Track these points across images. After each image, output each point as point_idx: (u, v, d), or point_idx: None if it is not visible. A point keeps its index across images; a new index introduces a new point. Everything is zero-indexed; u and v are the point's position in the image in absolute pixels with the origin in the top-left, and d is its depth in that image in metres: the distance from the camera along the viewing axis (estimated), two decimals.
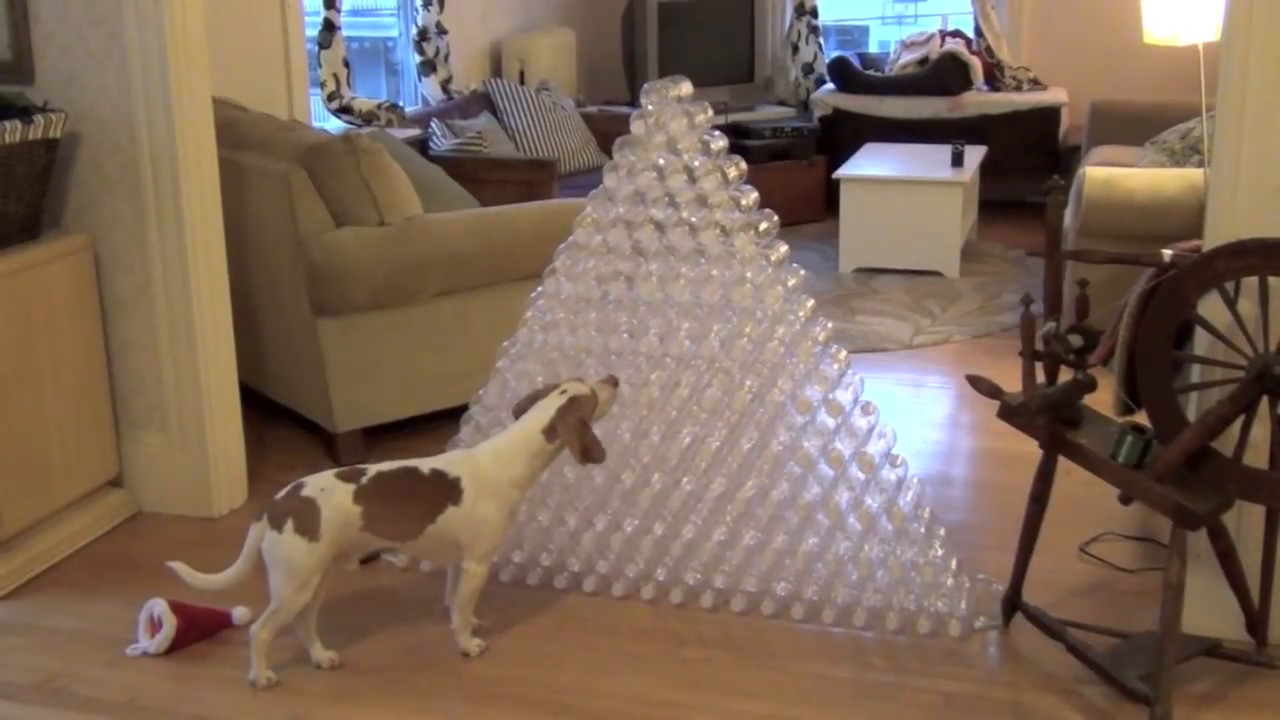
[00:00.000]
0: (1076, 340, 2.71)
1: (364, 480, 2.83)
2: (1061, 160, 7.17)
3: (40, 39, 3.43)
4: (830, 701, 2.75)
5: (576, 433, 2.86)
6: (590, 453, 2.87)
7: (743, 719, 2.69)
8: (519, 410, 2.99)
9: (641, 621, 3.10)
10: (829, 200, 7.06)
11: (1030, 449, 2.91)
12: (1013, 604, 3.00)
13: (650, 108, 3.23)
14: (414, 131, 5.97)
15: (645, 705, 2.75)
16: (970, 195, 6.62)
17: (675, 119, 3.21)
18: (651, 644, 3.00)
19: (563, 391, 2.93)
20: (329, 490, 2.80)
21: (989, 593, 3.09)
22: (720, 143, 3.24)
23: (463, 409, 4.14)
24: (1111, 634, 2.87)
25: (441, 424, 4.14)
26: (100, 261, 3.54)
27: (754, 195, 3.24)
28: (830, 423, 3.14)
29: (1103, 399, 2.98)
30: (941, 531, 3.11)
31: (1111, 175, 4.77)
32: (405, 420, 4.11)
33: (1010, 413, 2.83)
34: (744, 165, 3.27)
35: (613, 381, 3.03)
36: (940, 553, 3.06)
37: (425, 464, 2.91)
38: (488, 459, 2.90)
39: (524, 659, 2.94)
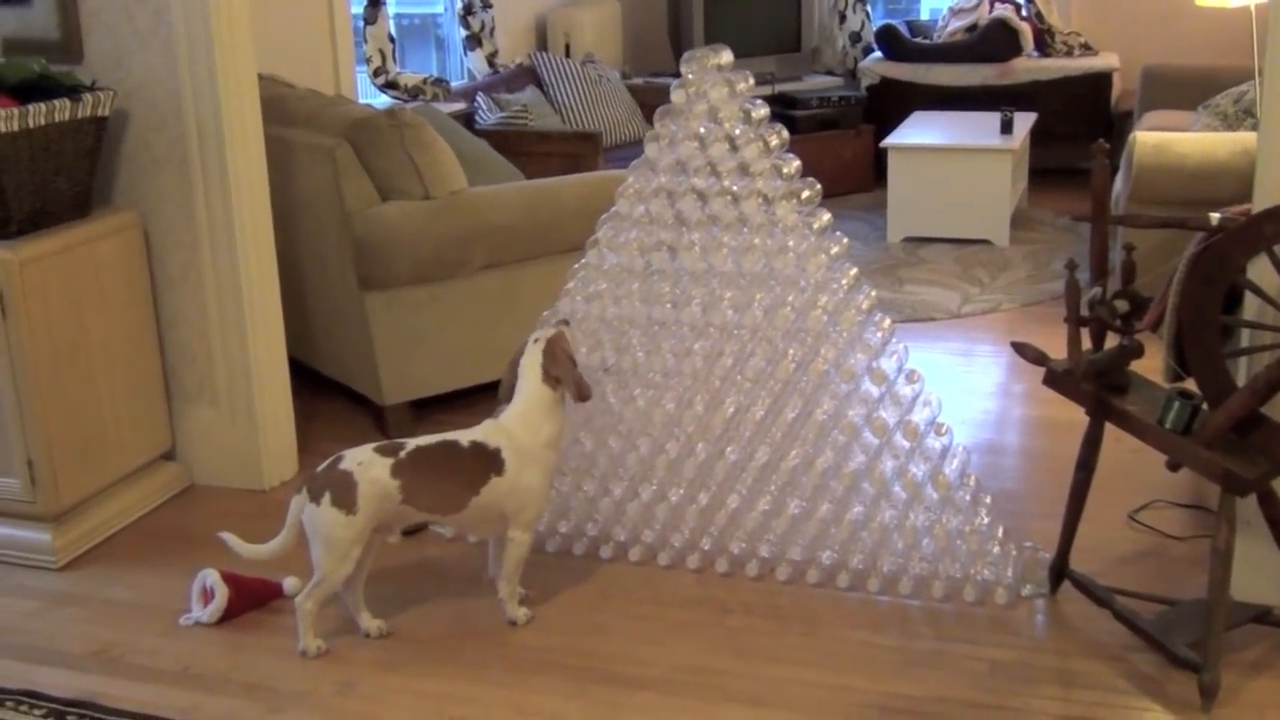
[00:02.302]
0: (1123, 305, 2.68)
1: (402, 455, 2.84)
2: (1113, 126, 7.08)
3: (88, 18, 3.47)
4: (875, 669, 2.75)
5: (568, 368, 2.92)
6: (582, 387, 2.91)
7: (787, 686, 2.70)
8: (507, 386, 3.02)
9: (687, 590, 3.11)
10: (877, 170, 7.02)
11: (1079, 417, 2.89)
12: (1060, 572, 2.98)
13: (690, 76, 3.22)
14: (460, 106, 5.98)
15: (690, 673, 2.76)
16: (1020, 163, 6.55)
17: (716, 88, 3.20)
18: (697, 612, 3.01)
19: (535, 340, 2.98)
20: (366, 464, 2.82)
21: (1036, 560, 3.07)
22: (761, 111, 3.22)
23: None
24: (1160, 601, 2.85)
25: (488, 397, 4.15)
26: (150, 238, 3.58)
27: (796, 163, 3.23)
28: (875, 391, 3.13)
29: (1151, 366, 2.95)
30: (988, 499, 3.10)
31: (1163, 140, 4.71)
32: (452, 393, 4.14)
33: (1056, 379, 2.81)
34: (786, 134, 3.25)
35: (564, 323, 3.09)
36: (986, 521, 3.05)
37: (463, 436, 2.93)
38: (518, 426, 2.92)
39: (570, 628, 2.96)
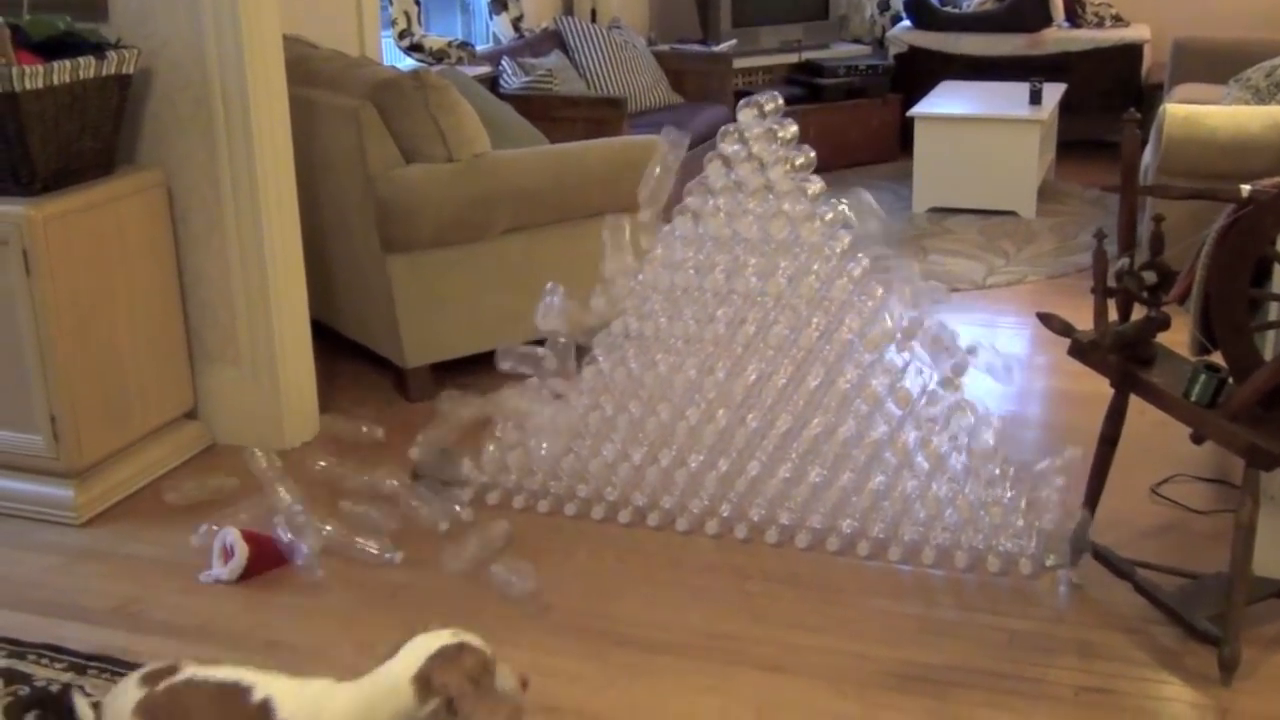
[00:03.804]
0: (1150, 277, 2.66)
1: (160, 688, 2.12)
2: (1144, 98, 7.01)
3: None
4: (893, 637, 2.74)
5: (463, 692, 2.02)
6: None
7: (804, 652, 2.70)
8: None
9: (706, 556, 3.11)
10: (903, 139, 6.98)
11: (1103, 389, 2.87)
12: (1082, 544, 2.97)
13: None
14: (485, 69, 5.96)
15: (707, 637, 2.76)
16: (1048, 134, 6.50)
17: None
18: (715, 578, 3.01)
19: (454, 634, 2.14)
20: (118, 694, 2.17)
21: (1059, 533, 3.05)
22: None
23: (533, 345, 4.17)
24: (1181, 575, 2.84)
25: None
26: (174, 197, 3.58)
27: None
28: (899, 361, 3.12)
29: (1178, 339, 2.93)
30: (1011, 471, 3.08)
31: (1193, 112, 4.66)
32: (474, 357, 4.13)
33: (1081, 350, 2.79)
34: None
35: (524, 681, 2.18)
36: (1011, 493, 3.03)
37: (263, 685, 2.10)
38: (345, 703, 2.08)
39: (588, 591, 2.96)
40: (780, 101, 3.24)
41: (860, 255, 3.18)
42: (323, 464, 3.52)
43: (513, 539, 3.15)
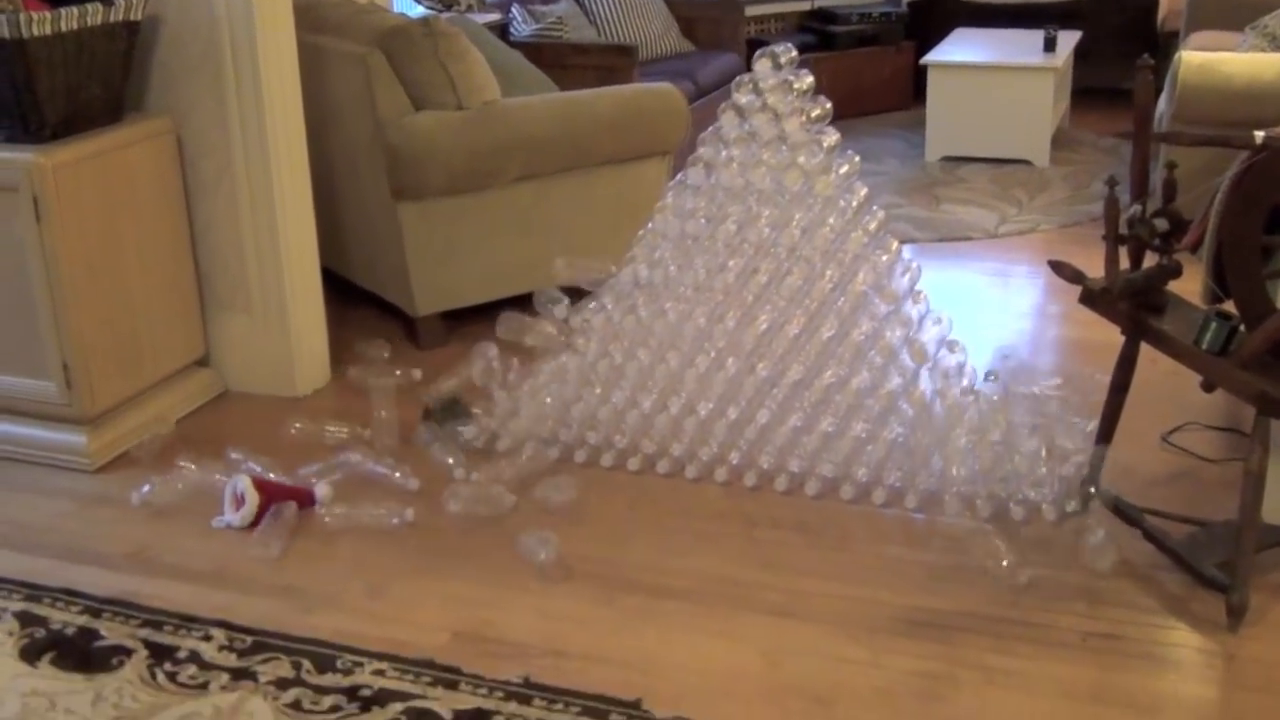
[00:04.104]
0: (1162, 224, 2.65)
1: None
2: (1159, 45, 6.94)
3: None
4: (902, 584, 2.75)
5: None
6: None
7: (812, 598, 2.71)
8: None
9: (715, 503, 3.12)
10: (917, 87, 6.92)
11: (1116, 338, 2.87)
12: (1091, 491, 2.97)
13: None
14: (494, 17, 5.93)
15: (715, 582, 2.78)
16: (1062, 82, 6.45)
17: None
18: (724, 525, 3.02)
19: None
20: None
21: (1074, 480, 3.05)
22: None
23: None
24: (1190, 522, 2.84)
25: (520, 309, 4.16)
26: (183, 144, 3.57)
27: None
28: (915, 313, 3.11)
29: (1189, 287, 2.92)
30: (1032, 419, 3.07)
31: (1208, 60, 4.61)
32: (484, 305, 4.14)
33: (1092, 297, 2.78)
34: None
35: None
36: (1033, 443, 3.01)
37: None
38: None
39: (596, 537, 2.97)
40: (795, 53, 3.21)
41: (876, 208, 3.17)
42: (298, 426, 3.51)
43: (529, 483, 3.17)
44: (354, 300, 4.36)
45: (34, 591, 2.81)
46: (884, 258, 3.12)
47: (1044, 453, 3.02)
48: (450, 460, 3.25)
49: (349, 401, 3.68)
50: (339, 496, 3.14)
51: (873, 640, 2.56)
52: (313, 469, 3.24)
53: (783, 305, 3.17)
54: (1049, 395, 3.23)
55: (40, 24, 3.09)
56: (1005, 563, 2.73)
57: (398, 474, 3.21)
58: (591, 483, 3.19)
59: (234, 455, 3.28)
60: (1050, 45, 6.25)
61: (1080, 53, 6.66)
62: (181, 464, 3.25)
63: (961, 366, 3.11)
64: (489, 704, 2.39)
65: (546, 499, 3.08)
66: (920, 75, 6.54)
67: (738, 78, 3.28)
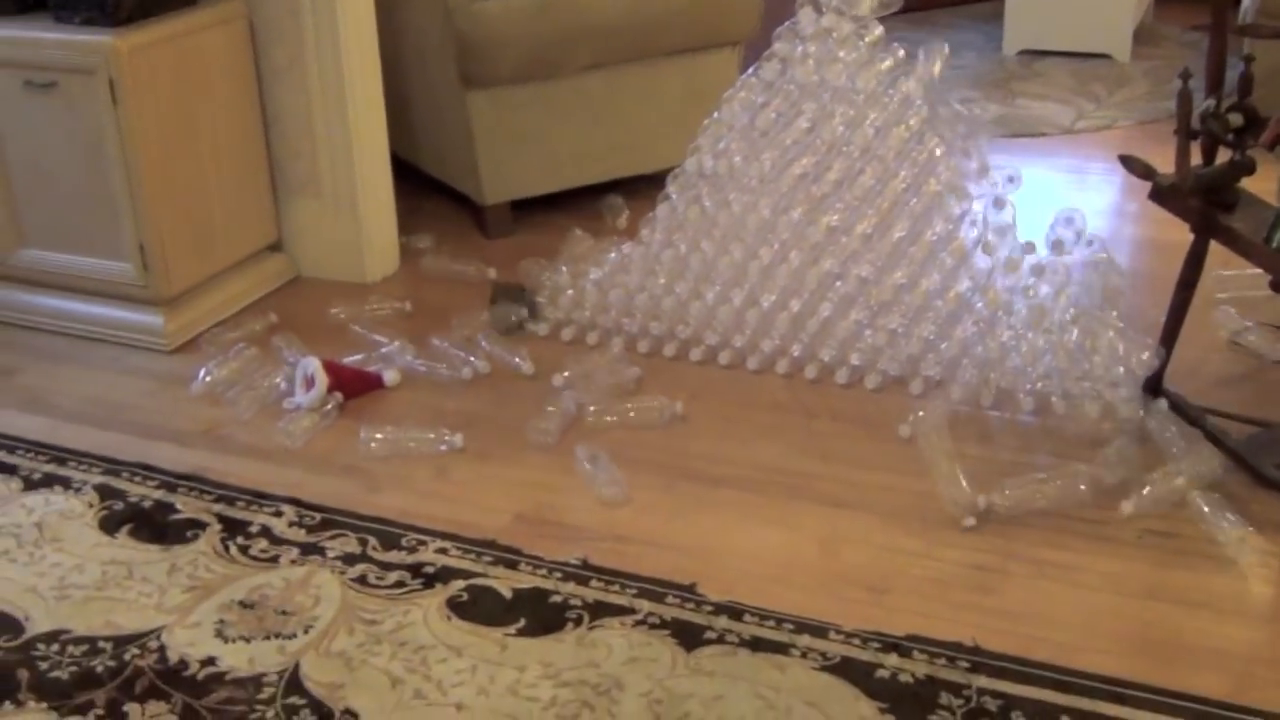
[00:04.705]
0: (1236, 119, 2.60)
1: None
2: None
3: None
4: (964, 479, 2.76)
5: None
6: None
7: (869, 490, 2.74)
8: None
9: (775, 395, 3.14)
10: None
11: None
12: (1155, 390, 2.96)
13: None
14: None
15: (772, 472, 2.82)
16: None
17: None
18: (784, 416, 3.05)
19: None
20: None
21: (1138, 378, 3.02)
22: None
23: (610, 185, 4.19)
24: (1252, 423, 2.83)
25: (587, 199, 4.19)
26: (255, 30, 3.60)
27: None
28: (996, 217, 3.08)
29: (1266, 187, 2.87)
30: (1115, 317, 3.05)
31: None
32: (552, 195, 4.16)
33: (1162, 194, 2.75)
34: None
35: None
36: (1119, 342, 2.99)
37: None
38: None
39: (659, 426, 3.01)
40: None
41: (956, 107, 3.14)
42: (336, 310, 3.59)
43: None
44: (424, 188, 4.39)
45: (112, 466, 2.91)
46: (960, 160, 3.09)
47: (1120, 350, 2.99)
48: (516, 358, 3.28)
49: (417, 289, 3.74)
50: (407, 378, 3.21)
51: (927, 532, 2.59)
52: (392, 347, 3.31)
53: (855, 204, 3.15)
54: (1116, 292, 3.21)
55: None
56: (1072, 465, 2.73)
57: (472, 359, 3.26)
58: (654, 372, 3.23)
59: (276, 342, 3.36)
60: None
61: None
62: (251, 347, 3.33)
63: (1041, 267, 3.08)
64: (547, 584, 2.46)
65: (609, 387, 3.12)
66: None
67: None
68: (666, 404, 3.04)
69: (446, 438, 2.94)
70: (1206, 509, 2.56)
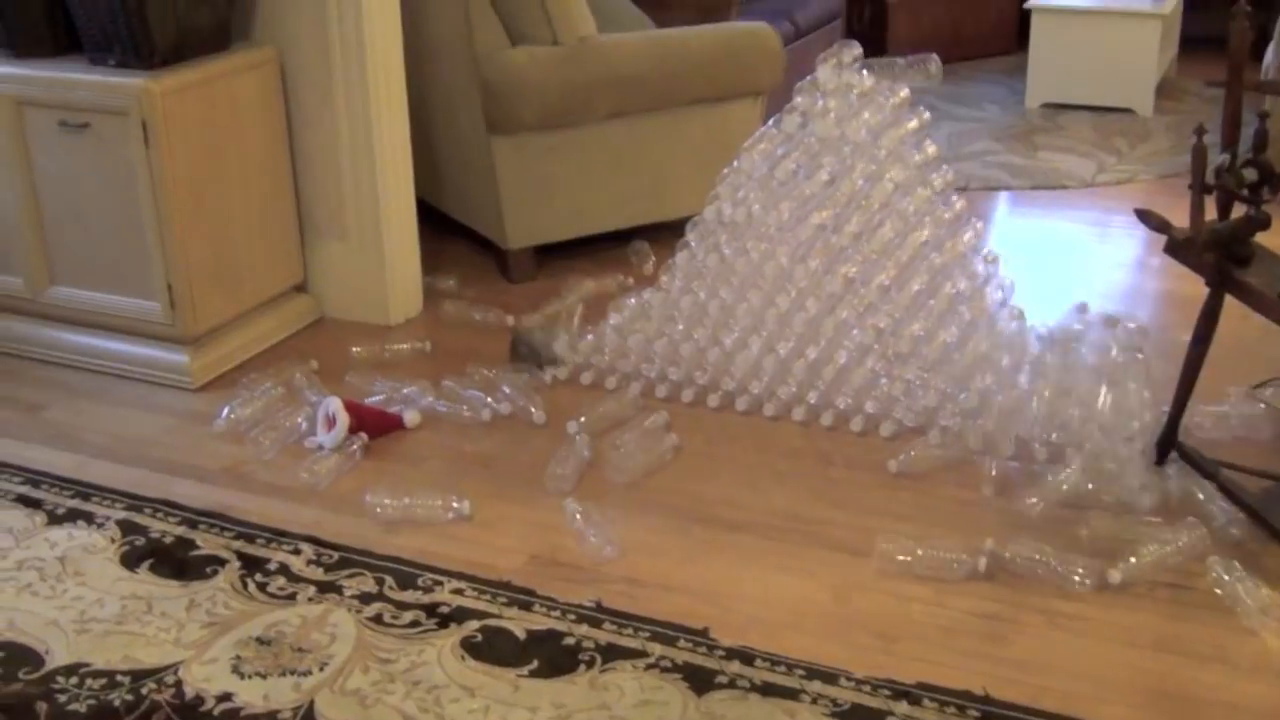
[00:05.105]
0: (1251, 175, 2.62)
1: None
2: None
3: None
4: (973, 527, 2.77)
5: None
6: None
7: (881, 535, 2.74)
8: None
9: (791, 441, 3.16)
10: (1021, 32, 6.82)
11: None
12: (1168, 444, 2.97)
13: None
14: None
15: (788, 519, 2.83)
16: (1170, 29, 6.30)
17: None
18: (799, 463, 3.07)
19: None
20: None
21: (1154, 432, 3.03)
22: None
23: (632, 231, 4.24)
24: (1267, 477, 2.83)
25: (610, 245, 4.24)
26: (286, 74, 3.66)
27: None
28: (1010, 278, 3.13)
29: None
30: (1145, 372, 3.06)
31: None
32: (575, 241, 4.20)
33: (1176, 247, 2.77)
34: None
35: None
36: (1145, 394, 2.99)
37: None
38: None
39: (674, 471, 3.04)
40: (859, 51, 3.26)
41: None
42: (357, 350, 3.63)
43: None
44: (448, 232, 4.44)
45: (135, 502, 2.95)
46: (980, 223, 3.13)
47: (1141, 399, 3.00)
48: (531, 406, 3.29)
49: (439, 332, 3.78)
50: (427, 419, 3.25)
51: (939, 580, 2.60)
52: (410, 390, 3.35)
53: (874, 257, 3.19)
54: (1132, 347, 3.23)
55: None
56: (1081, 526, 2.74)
57: (489, 401, 3.29)
58: (672, 417, 3.25)
59: (298, 380, 3.41)
60: None
61: (1190, 0, 6.50)
62: (273, 386, 3.38)
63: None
64: (561, 625, 2.48)
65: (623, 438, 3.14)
66: (1024, 19, 6.44)
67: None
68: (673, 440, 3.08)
69: (454, 505, 2.87)
70: (1226, 576, 2.54)
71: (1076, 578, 2.56)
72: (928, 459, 3.01)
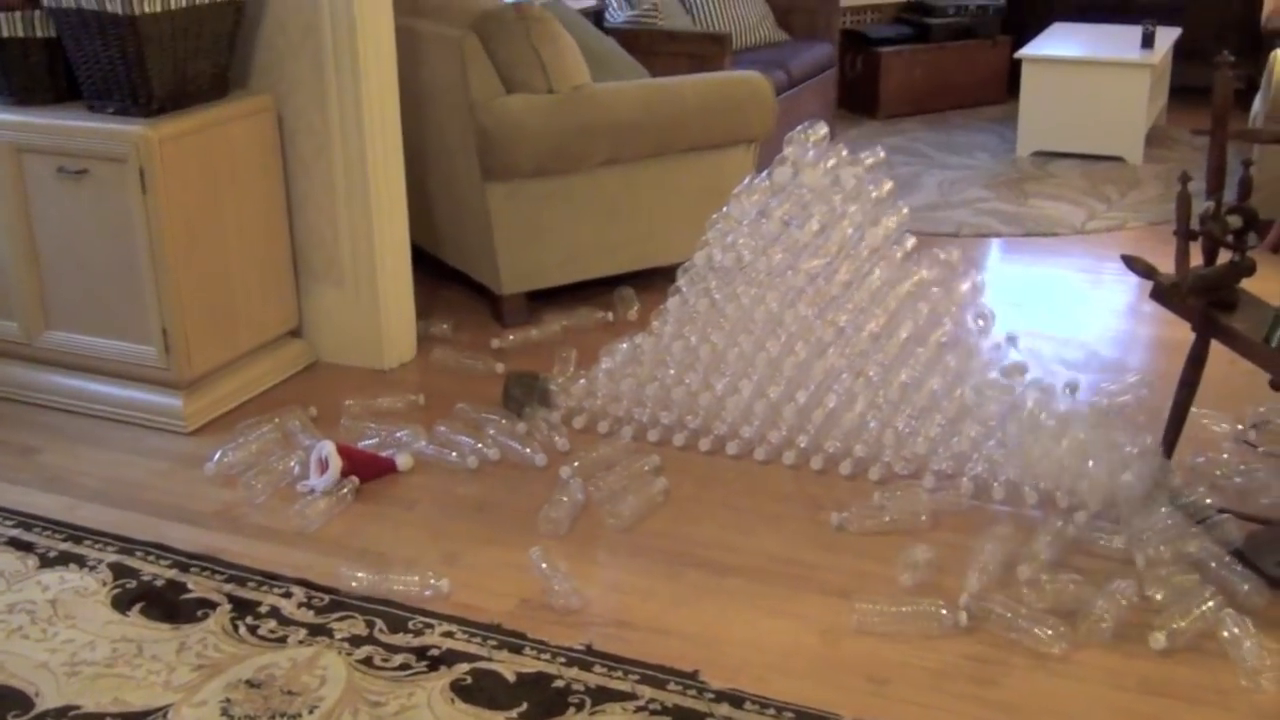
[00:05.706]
0: (1235, 221, 2.66)
1: None
2: (1263, 44, 6.82)
3: None
4: (962, 570, 2.77)
5: None
6: None
7: (873, 580, 2.76)
8: None
9: (781, 485, 3.18)
10: (1012, 81, 6.89)
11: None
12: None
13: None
14: (590, 2, 6.00)
15: (779, 562, 2.84)
16: (1160, 78, 6.38)
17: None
18: (790, 506, 3.08)
19: None
20: None
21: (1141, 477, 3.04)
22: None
23: (624, 277, 4.27)
24: (1254, 520, 2.85)
25: (603, 291, 4.27)
26: (283, 122, 3.70)
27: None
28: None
29: (1268, 288, 2.92)
30: (1140, 419, 3.09)
31: None
32: (569, 286, 4.23)
33: (1162, 293, 2.80)
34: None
35: None
36: (1130, 447, 3.01)
37: None
38: None
39: (667, 515, 3.05)
40: (825, 132, 3.36)
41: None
42: (350, 402, 3.60)
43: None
44: (442, 278, 4.47)
45: (127, 545, 2.95)
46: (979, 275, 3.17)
47: (1137, 449, 3.01)
48: (528, 449, 3.30)
49: (432, 377, 3.80)
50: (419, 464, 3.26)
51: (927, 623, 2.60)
52: (401, 434, 3.36)
53: (865, 305, 3.21)
54: (1122, 396, 3.25)
55: (151, 2, 3.22)
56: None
57: (480, 446, 3.31)
58: (664, 461, 3.26)
59: (292, 425, 3.42)
60: (1148, 41, 6.18)
61: (1181, 50, 6.58)
62: (268, 430, 3.39)
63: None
64: (551, 669, 2.48)
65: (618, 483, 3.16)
66: (1015, 69, 6.51)
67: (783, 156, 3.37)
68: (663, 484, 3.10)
69: (433, 582, 2.75)
70: (1226, 635, 2.52)
71: (1047, 635, 2.55)
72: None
